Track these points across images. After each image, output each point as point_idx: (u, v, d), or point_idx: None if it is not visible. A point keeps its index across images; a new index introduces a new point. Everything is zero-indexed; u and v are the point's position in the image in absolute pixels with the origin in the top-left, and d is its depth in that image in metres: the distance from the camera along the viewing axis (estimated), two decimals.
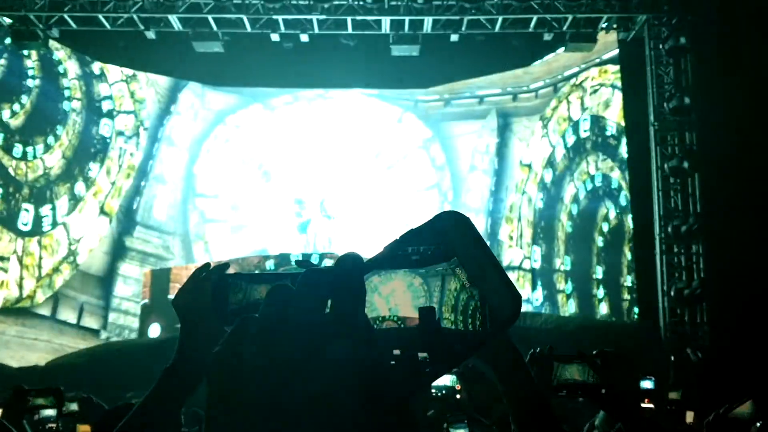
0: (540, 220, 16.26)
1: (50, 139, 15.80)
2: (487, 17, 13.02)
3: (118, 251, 16.78)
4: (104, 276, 16.34)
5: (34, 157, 15.50)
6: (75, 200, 16.24)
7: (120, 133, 17.34)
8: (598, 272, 14.49)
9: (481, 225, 17.76)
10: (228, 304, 1.25)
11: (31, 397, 3.52)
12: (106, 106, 16.97)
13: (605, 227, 14.42)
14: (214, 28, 13.36)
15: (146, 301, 14.54)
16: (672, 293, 11.73)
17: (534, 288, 16.16)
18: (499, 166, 17.64)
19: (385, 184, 18.60)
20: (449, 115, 18.33)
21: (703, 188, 11.92)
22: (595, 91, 14.99)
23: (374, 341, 0.99)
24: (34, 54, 15.21)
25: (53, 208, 15.67)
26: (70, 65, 16.27)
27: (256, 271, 13.85)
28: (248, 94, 18.58)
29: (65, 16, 13.15)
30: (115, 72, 16.92)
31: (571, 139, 15.69)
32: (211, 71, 15.74)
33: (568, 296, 15.10)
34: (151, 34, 13.43)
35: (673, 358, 11.39)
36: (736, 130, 11.12)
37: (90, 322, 15.62)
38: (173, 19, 13.18)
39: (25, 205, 14.95)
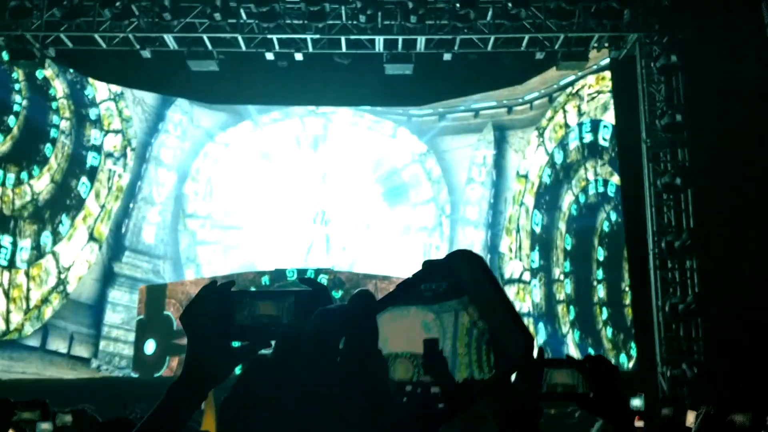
0: (539, 230, 16.21)
1: (37, 164, 15.39)
2: (479, 36, 13.16)
3: (108, 278, 16.39)
4: (94, 304, 15.93)
5: (21, 183, 15.05)
6: (64, 227, 15.86)
7: (109, 155, 17.05)
8: (599, 276, 14.32)
9: (480, 238, 17.70)
10: (234, 320, 1.27)
11: (17, 410, 3.48)
12: (94, 125, 16.71)
13: (606, 231, 14.29)
14: (209, 47, 13.45)
15: (141, 316, 14.46)
16: (666, 309, 11.75)
17: (533, 299, 16.08)
18: (497, 178, 17.61)
19: (381, 199, 18.60)
20: (444, 129, 18.34)
21: (696, 204, 12.00)
22: (593, 98, 14.97)
23: (386, 381, 1.03)
24: (21, 73, 14.92)
25: (41, 238, 15.26)
26: (57, 84, 16.03)
27: (252, 288, 13.82)
28: (237, 112, 18.45)
29: (61, 35, 13.23)
30: (102, 90, 16.71)
31: (567, 146, 15.63)
32: (207, 90, 15.82)
33: (568, 305, 15.04)
34: (146, 53, 13.51)
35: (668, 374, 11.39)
36: (728, 147, 11.22)
37: (80, 351, 15.32)
38: (168, 38, 13.27)
39: (7, 238, 14.45)
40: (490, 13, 12.82)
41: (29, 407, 3.72)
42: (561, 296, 15.32)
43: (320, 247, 17.92)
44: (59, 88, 16.10)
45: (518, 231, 16.84)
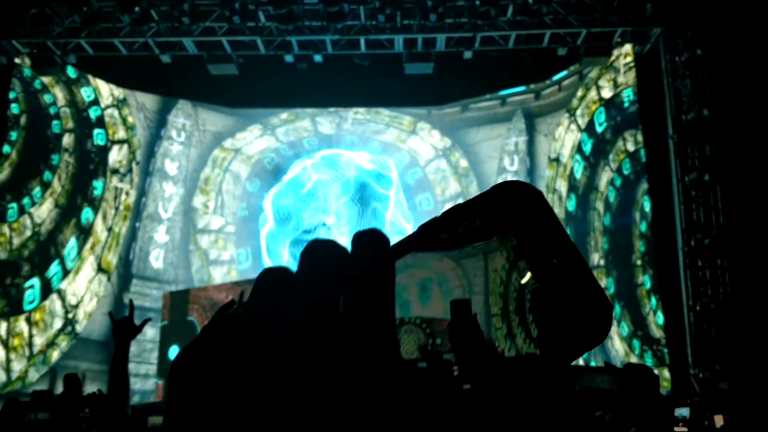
0: (570, 216, 15.42)
1: (38, 190, 14.54)
2: (500, 33, 13.00)
3: (119, 311, 15.41)
4: (106, 340, 14.95)
5: (21, 214, 14.20)
6: (71, 259, 15.08)
7: (114, 171, 16.35)
8: (639, 262, 13.22)
9: None
10: None
11: (28, 411, 3.42)
12: (99, 137, 15.98)
13: (647, 208, 13.08)
14: (229, 50, 13.43)
15: (165, 322, 14.44)
16: (698, 308, 11.49)
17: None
18: (530, 167, 16.84)
19: (405, 197, 18.31)
20: (469, 121, 17.67)
21: (725, 200, 11.73)
22: (631, 68, 13.68)
23: (397, 356, 0.73)
24: (17, 83, 14.18)
25: (46, 275, 14.48)
26: (57, 92, 15.29)
27: None
28: (245, 114, 17.86)
29: (82, 42, 13.29)
30: (106, 95, 16.15)
31: (603, 119, 14.57)
32: (226, 93, 15.82)
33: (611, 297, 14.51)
34: (166, 58, 13.53)
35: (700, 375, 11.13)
36: (756, 141, 10.95)
37: (93, 389, 14.77)
38: (188, 42, 13.27)
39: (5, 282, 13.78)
40: (510, 10, 12.66)
41: (40, 408, 3.66)
42: (601, 284, 14.76)
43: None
44: (59, 95, 15.41)
45: None
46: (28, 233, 14.32)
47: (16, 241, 14.05)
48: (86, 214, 15.60)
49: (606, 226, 14.35)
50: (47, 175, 14.83)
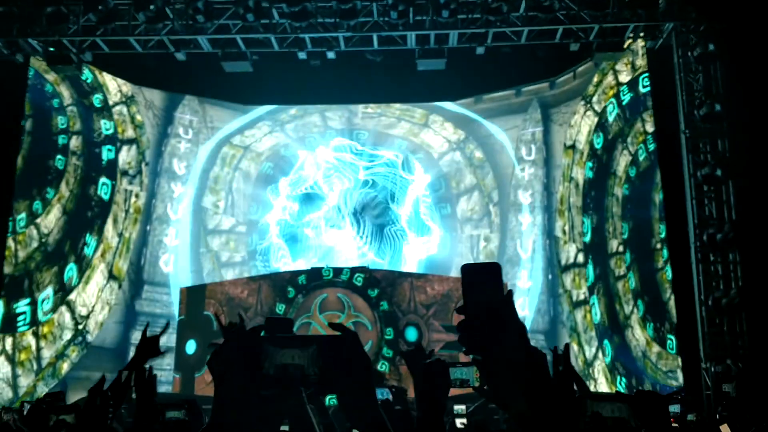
0: (589, 201, 15.15)
1: (46, 195, 14.16)
2: (512, 29, 13.04)
3: (130, 318, 15.35)
4: (119, 348, 14.96)
5: (26, 225, 13.77)
6: (80, 269, 14.74)
7: (124, 173, 16.07)
8: (659, 246, 12.87)
9: (537, 223, 16.68)
10: (262, 370, 1.31)
11: (54, 415, 3.52)
12: (108, 139, 15.65)
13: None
14: (243, 48, 13.54)
15: (182, 317, 14.59)
16: (710, 303, 11.56)
17: (589, 282, 15.06)
18: (547, 156, 16.63)
19: (418, 192, 18.10)
20: (484, 113, 17.41)
21: (738, 195, 11.76)
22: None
23: None
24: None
25: (56, 286, 14.19)
26: (64, 90, 14.94)
27: (289, 288, 13.89)
28: (253, 111, 17.62)
29: (97, 40, 13.43)
30: (114, 92, 15.93)
31: (622, 102, 14.17)
32: (241, 91, 15.94)
33: (629, 280, 13.81)
34: (181, 56, 13.65)
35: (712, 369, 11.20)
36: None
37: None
38: (203, 40, 13.38)
39: (24, 301, 13.45)
40: (522, 6, 12.70)
41: (67, 411, 3.75)
42: (621, 271, 14.11)
43: (353, 246, 17.70)
44: (66, 94, 14.98)
45: (569, 209, 15.78)
46: (35, 244, 13.97)
47: (21, 254, 13.70)
48: (97, 217, 15.26)
49: (625, 211, 14.11)
50: (50, 187, 14.45)
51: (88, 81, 15.44)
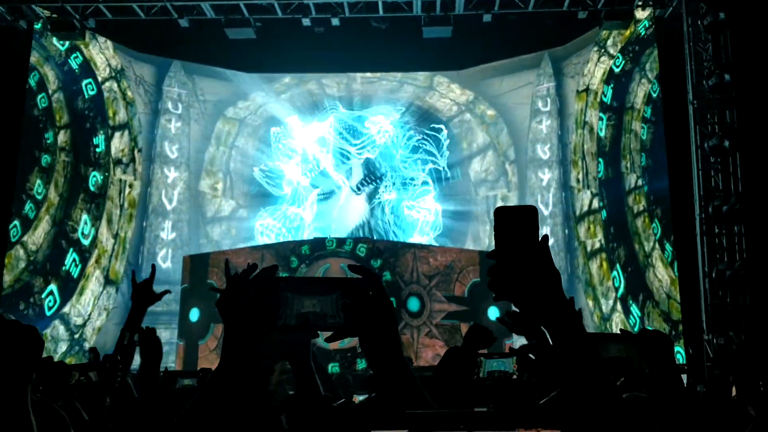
0: (607, 144, 14.73)
1: (30, 208, 13.48)
2: None
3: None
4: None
5: (10, 241, 13.05)
6: (72, 281, 14.29)
7: (117, 162, 15.49)
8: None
9: (555, 178, 16.30)
10: (277, 319, 1.22)
11: (76, 371, 3.55)
12: (98, 121, 14.95)
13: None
14: (246, 14, 13.40)
15: (186, 285, 14.65)
16: (713, 275, 11.49)
17: (604, 228, 14.61)
18: (561, 106, 16.20)
19: (427, 157, 17.49)
20: (493, 72, 16.87)
21: (745, 167, 11.61)
22: None
23: None
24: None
25: (46, 303, 13.76)
26: (48, 72, 14.15)
27: (293, 258, 13.90)
28: (245, 80, 16.99)
29: (101, 6, 13.31)
30: (102, 67, 15.30)
31: (640, 35, 13.68)
32: (244, 58, 15.79)
33: (651, 214, 13.32)
34: (184, 23, 13.53)
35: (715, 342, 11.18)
36: None
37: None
38: (206, 6, 13.24)
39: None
40: None
41: (87, 368, 3.77)
42: (640, 206, 13.63)
43: (362, 213, 17.36)
44: (50, 77, 14.30)
45: (583, 157, 15.38)
46: (23, 264, 13.46)
47: (7, 278, 13.07)
48: (88, 221, 14.77)
49: (643, 142, 13.72)
50: (39, 185, 13.95)
51: (78, 61, 14.96)
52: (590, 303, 14.92)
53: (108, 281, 15.26)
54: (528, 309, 1.14)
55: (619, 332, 2.22)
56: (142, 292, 3.05)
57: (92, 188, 15.11)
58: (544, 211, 16.32)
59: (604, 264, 14.68)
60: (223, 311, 1.21)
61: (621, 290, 14.12)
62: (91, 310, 14.71)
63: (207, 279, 14.06)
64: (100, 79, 15.46)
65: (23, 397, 1.25)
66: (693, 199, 11.89)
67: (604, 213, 14.74)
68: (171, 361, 14.05)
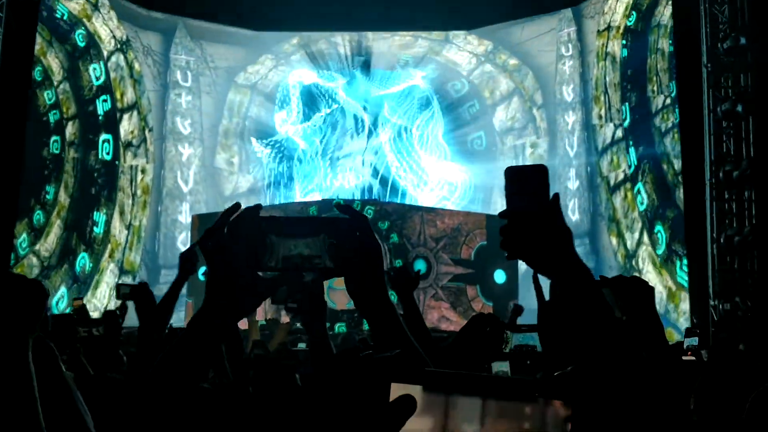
0: (628, 68, 14.29)
1: (39, 215, 13.32)
2: None
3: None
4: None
5: (29, 245, 13.08)
6: (86, 279, 14.26)
7: (128, 145, 15.23)
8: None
9: (579, 120, 15.76)
10: (261, 263, 1.17)
11: (81, 327, 3.57)
12: (105, 98, 14.59)
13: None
14: None
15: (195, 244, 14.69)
16: (722, 240, 11.44)
17: (629, 154, 14.21)
18: (582, 48, 15.71)
19: (450, 109, 17.08)
20: (511, 21, 16.28)
21: (758, 132, 11.47)
22: None
23: None
24: None
25: (59, 305, 13.68)
26: (52, 60, 13.81)
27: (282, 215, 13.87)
28: (253, 43, 16.61)
29: None
30: (107, 39, 14.95)
31: None
32: (250, 16, 15.56)
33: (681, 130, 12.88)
34: None
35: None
36: None
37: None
38: None
39: None
40: None
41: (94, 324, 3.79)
42: (669, 124, 13.26)
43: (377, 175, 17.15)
44: (54, 65, 13.99)
45: (606, 91, 14.90)
46: (36, 271, 13.44)
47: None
48: (100, 216, 14.60)
49: (671, 62, 13.35)
50: (49, 191, 13.74)
51: (80, 36, 14.67)
52: (614, 241, 14.51)
53: (123, 272, 15.18)
54: (540, 267, 1.17)
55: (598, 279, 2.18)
56: (187, 261, 3.06)
57: (100, 182, 14.97)
58: (570, 153, 15.91)
59: (629, 194, 14.25)
60: (205, 251, 1.18)
61: (663, 246, 13.48)
62: (107, 302, 14.68)
63: None
64: (105, 53, 15.10)
65: (24, 347, 1.25)
66: (704, 163, 11.78)
67: (631, 153, 14.19)
68: (180, 319, 14.18)
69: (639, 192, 14.12)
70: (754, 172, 11.31)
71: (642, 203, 14.03)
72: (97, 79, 15.04)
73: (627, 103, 14.46)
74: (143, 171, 15.68)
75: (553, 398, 0.74)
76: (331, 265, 1.18)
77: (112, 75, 15.17)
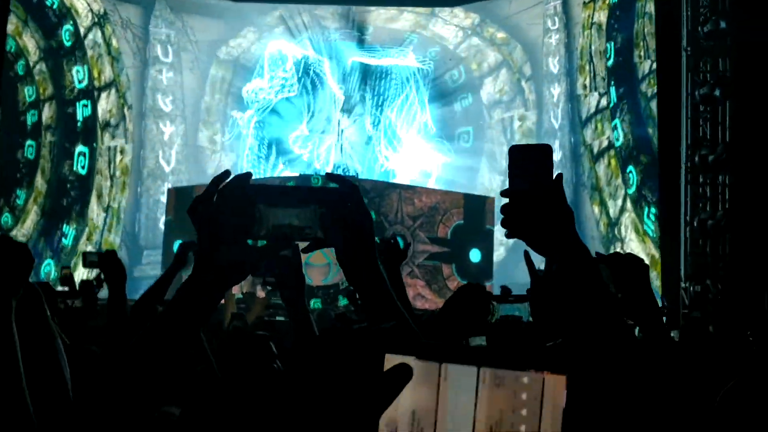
0: (613, 33, 14.16)
1: (16, 202, 13.23)
2: None
3: (133, 286, 14.33)
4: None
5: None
6: (64, 260, 13.96)
7: (106, 125, 14.90)
8: None
9: (564, 92, 15.54)
10: (250, 234, 1.14)
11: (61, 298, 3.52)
12: (82, 90, 14.29)
13: None
14: None
15: (170, 217, 14.52)
16: (695, 224, 11.60)
17: (614, 127, 14.08)
18: (566, 20, 15.54)
19: (431, 86, 16.99)
20: None
21: (734, 117, 11.59)
22: None
23: None
24: None
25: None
26: (27, 41, 13.54)
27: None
28: (236, 15, 16.30)
29: None
30: (84, 13, 14.61)
31: None
32: None
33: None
34: None
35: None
36: None
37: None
38: None
39: None
40: None
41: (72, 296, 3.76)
42: (655, 89, 13.06)
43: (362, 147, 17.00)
44: (30, 46, 13.72)
45: (591, 60, 14.75)
46: None
47: None
48: (76, 201, 14.33)
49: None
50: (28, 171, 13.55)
51: (55, 6, 14.33)
52: (596, 210, 14.46)
53: None
54: (539, 247, 1.17)
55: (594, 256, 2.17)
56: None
57: (80, 167, 14.68)
58: (555, 125, 15.79)
59: (613, 161, 14.17)
60: (195, 218, 1.14)
61: (633, 187, 13.49)
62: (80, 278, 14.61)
63: None
64: (82, 30, 14.71)
65: (8, 309, 1.23)
66: (680, 147, 11.89)
67: (612, 94, 14.07)
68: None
69: (616, 128, 13.96)
70: (729, 157, 11.45)
71: (618, 139, 13.89)
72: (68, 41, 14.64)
73: (611, 59, 14.28)
74: (122, 151, 15.38)
75: (549, 369, 0.73)
76: (322, 236, 1.15)
77: (89, 53, 14.79)
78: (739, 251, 11.21)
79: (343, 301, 12.16)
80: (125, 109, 15.35)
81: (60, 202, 14.62)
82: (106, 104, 15.06)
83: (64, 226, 14.61)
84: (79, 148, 14.87)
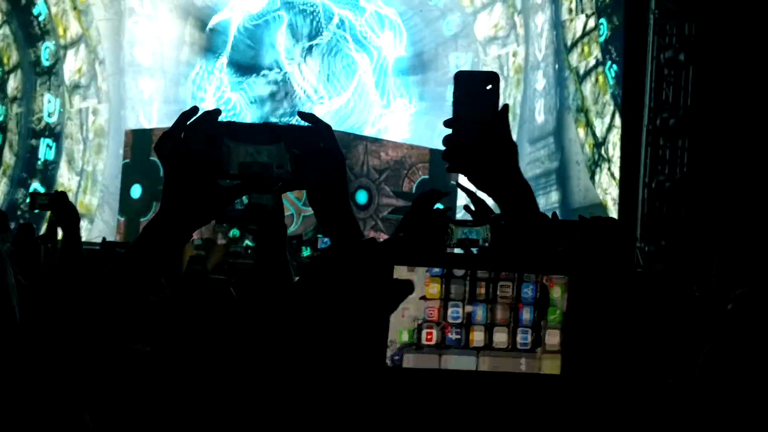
0: None
1: None
2: None
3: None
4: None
5: None
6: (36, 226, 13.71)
7: (75, 87, 14.13)
8: None
9: (547, 19, 14.99)
10: (219, 170, 1.11)
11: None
12: (45, 45, 13.59)
13: None
14: None
15: (128, 161, 14.20)
16: (653, 185, 11.83)
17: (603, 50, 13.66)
18: None
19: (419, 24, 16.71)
20: None
21: (697, 82, 11.73)
22: None
23: None
24: None
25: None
26: None
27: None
28: None
29: None
30: None
31: None
32: None
33: None
34: None
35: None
36: (738, 22, 10.81)
37: None
38: None
39: None
40: None
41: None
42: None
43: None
44: None
45: None
46: None
47: None
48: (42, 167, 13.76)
49: None
50: None
51: None
52: (581, 132, 14.14)
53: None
54: (480, 182, 1.12)
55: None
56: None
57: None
58: (539, 56, 15.25)
59: (600, 78, 13.79)
60: (161, 154, 1.12)
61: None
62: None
63: (150, 156, 13.69)
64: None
65: None
66: (643, 110, 12.04)
67: (603, 27, 13.67)
68: (111, 237, 13.86)
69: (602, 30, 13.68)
70: (689, 121, 11.63)
71: (601, 35, 13.64)
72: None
73: None
74: (95, 113, 14.69)
75: (553, 272, 0.78)
76: (291, 176, 1.14)
77: (53, 10, 13.93)
78: (693, 214, 11.49)
79: (306, 252, 12.19)
80: (96, 65, 14.64)
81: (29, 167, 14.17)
82: (74, 62, 14.32)
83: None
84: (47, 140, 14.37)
